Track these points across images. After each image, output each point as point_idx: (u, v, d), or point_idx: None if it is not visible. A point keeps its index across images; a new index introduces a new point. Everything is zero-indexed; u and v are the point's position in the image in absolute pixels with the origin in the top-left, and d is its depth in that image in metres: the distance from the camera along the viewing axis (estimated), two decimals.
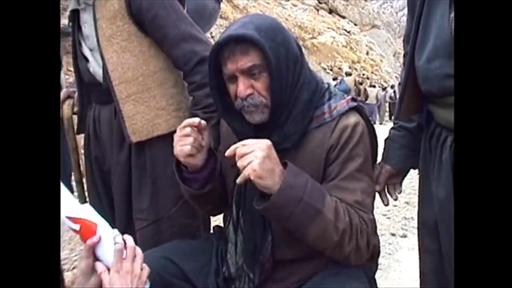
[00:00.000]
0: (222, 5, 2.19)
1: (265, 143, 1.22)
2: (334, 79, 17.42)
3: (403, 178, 1.60)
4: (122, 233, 1.82)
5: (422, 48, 1.26)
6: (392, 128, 1.55)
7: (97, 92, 1.85)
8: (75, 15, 1.83)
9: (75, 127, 1.98)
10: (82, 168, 2.02)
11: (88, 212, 1.14)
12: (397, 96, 1.63)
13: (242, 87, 1.30)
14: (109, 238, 1.13)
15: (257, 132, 1.37)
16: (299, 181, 1.22)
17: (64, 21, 1.99)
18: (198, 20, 1.87)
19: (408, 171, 1.58)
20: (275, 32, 1.31)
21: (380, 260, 3.45)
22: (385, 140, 1.56)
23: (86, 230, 1.11)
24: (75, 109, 1.96)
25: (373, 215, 1.36)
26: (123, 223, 1.83)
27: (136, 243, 1.74)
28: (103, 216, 1.17)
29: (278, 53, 1.29)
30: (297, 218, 1.22)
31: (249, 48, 1.28)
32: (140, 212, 1.77)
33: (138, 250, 1.16)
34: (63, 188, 1.09)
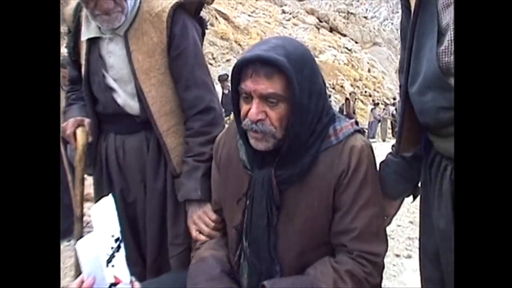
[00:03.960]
0: (223, 26, 2.22)
1: None
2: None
3: (396, 211, 1.55)
4: (153, 261, 1.83)
5: (414, 81, 1.25)
6: (389, 153, 1.53)
7: (122, 122, 1.85)
8: (91, 44, 1.82)
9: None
10: None
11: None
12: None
13: (255, 110, 1.26)
14: None
15: (263, 162, 1.35)
16: None
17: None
18: None
19: (401, 202, 1.54)
20: (304, 64, 1.27)
21: (384, 282, 3.38)
22: (380, 163, 1.52)
23: None
24: (89, 138, 1.92)
25: (385, 241, 1.37)
26: (154, 254, 1.85)
27: (168, 271, 1.75)
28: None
29: (303, 86, 1.25)
30: None
31: (274, 74, 1.23)
32: (176, 238, 1.80)
33: None
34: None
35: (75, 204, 1.89)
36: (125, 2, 1.69)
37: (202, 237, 1.61)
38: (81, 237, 1.93)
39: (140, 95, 1.75)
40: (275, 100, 1.25)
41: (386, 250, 1.35)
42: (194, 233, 1.65)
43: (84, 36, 1.81)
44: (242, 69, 1.28)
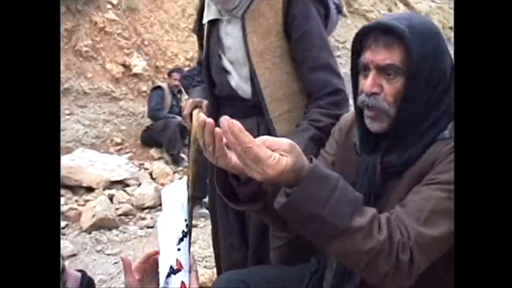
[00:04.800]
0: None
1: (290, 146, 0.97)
2: None
3: None
4: (254, 250, 1.79)
5: None
6: None
7: (236, 106, 1.83)
8: (212, 25, 1.84)
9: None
10: None
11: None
12: None
13: (370, 82, 1.19)
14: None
15: (373, 147, 1.26)
16: (321, 191, 0.99)
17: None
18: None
19: None
20: (429, 38, 1.18)
21: None
22: None
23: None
24: None
25: (427, 234, 1.08)
26: (256, 241, 1.83)
27: (268, 262, 1.71)
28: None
29: (424, 61, 1.15)
30: (313, 234, 1.04)
31: (394, 43, 1.16)
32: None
33: None
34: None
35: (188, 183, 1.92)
36: None
37: None
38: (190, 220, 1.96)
39: (253, 78, 1.73)
40: (392, 73, 1.17)
41: (419, 246, 1.07)
42: None
43: (206, 18, 1.84)
44: (362, 39, 1.22)
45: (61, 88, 6.27)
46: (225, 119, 0.91)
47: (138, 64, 7.26)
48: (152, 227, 4.48)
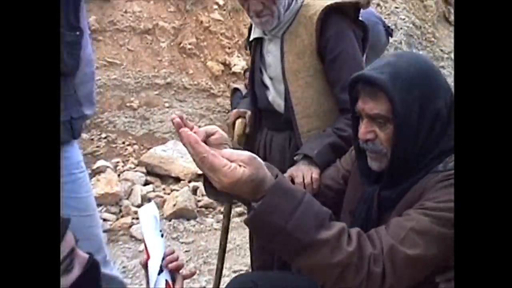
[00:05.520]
0: None
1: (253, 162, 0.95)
2: None
3: None
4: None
5: None
6: None
7: (272, 119, 1.92)
8: (257, 43, 1.97)
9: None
10: None
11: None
12: None
13: (363, 130, 1.25)
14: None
15: (375, 180, 1.31)
16: (285, 205, 0.97)
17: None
18: (369, 53, 1.85)
19: None
20: (415, 83, 1.18)
21: None
22: None
23: None
24: (247, 130, 2.05)
25: (413, 253, 1.05)
26: None
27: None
28: None
29: (411, 107, 1.16)
30: (279, 248, 1.02)
31: (379, 93, 1.19)
32: None
33: None
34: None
35: None
36: (275, 6, 1.76)
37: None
38: (228, 217, 2.09)
39: (286, 95, 1.81)
40: (382, 121, 1.21)
41: (392, 260, 1.04)
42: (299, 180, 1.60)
43: (252, 36, 1.98)
44: (354, 88, 1.27)
45: (163, 82, 6.70)
46: (183, 132, 0.95)
47: (238, 63, 7.51)
48: None
